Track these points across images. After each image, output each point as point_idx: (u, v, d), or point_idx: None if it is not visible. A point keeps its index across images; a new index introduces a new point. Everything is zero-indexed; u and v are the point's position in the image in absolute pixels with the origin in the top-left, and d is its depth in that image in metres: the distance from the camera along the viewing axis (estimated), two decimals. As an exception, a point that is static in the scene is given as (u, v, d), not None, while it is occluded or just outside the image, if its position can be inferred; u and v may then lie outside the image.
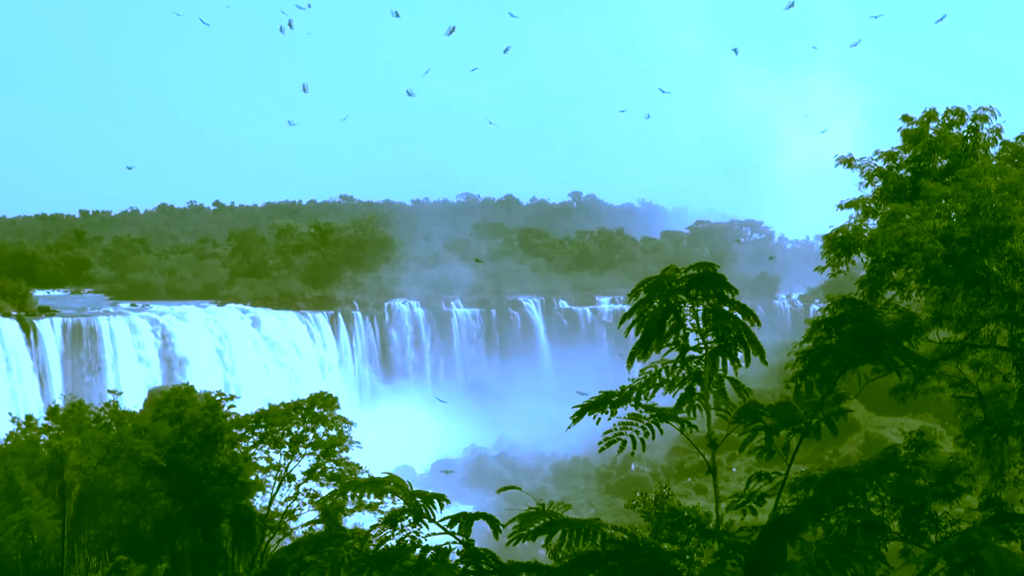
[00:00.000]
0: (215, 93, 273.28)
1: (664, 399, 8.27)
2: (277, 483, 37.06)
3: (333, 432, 36.89)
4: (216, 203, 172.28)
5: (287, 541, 36.33)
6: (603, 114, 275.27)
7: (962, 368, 19.50)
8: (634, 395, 8.10)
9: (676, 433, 8.26)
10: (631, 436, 8.14)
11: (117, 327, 72.69)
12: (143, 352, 73.27)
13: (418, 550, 7.31)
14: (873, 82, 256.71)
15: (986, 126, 18.70)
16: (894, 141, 19.16)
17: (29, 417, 37.45)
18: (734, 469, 62.60)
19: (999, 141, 18.87)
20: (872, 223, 18.42)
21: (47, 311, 74.19)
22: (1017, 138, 19.27)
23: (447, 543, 7.24)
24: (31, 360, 67.83)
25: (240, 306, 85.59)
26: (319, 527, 35.30)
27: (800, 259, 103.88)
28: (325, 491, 36.24)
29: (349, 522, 36.06)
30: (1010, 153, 18.81)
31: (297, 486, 37.02)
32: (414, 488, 7.61)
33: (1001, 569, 6.69)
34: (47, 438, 35.80)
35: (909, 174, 18.80)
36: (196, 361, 74.12)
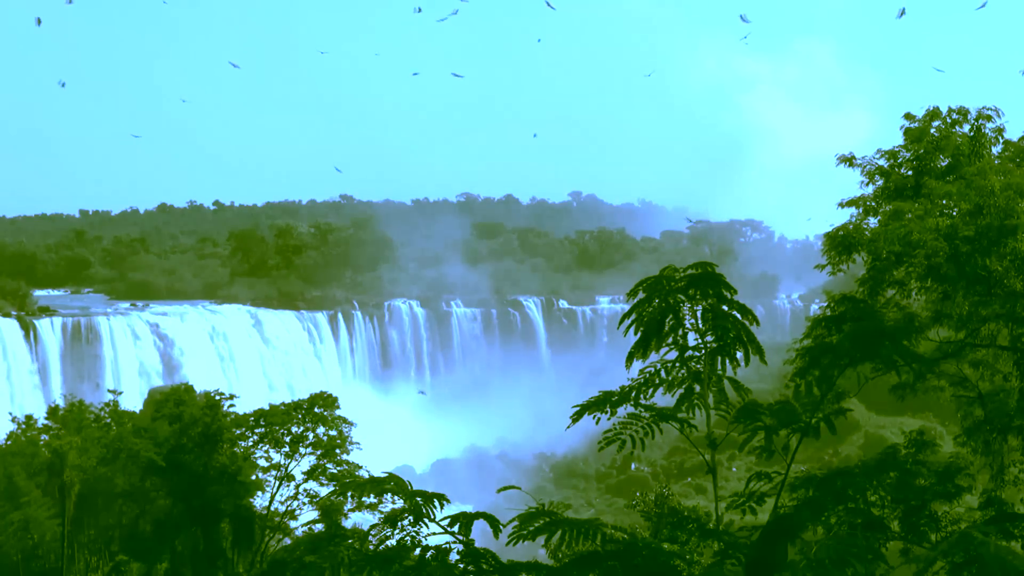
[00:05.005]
0: (215, 93, 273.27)
1: (664, 399, 8.27)
2: (277, 483, 37.06)
3: (333, 432, 36.90)
4: (216, 203, 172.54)
5: (287, 541, 36.32)
6: (601, 112, 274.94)
7: (962, 367, 19.49)
8: (633, 395, 8.10)
9: (676, 433, 8.25)
10: (631, 436, 8.14)
11: (117, 327, 72.70)
12: (143, 352, 73.28)
13: (418, 550, 7.31)
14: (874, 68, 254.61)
15: (989, 125, 18.68)
16: (889, 127, 19.19)
17: (29, 417, 37.44)
18: (734, 469, 62.60)
19: (1001, 140, 18.85)
20: (873, 222, 18.40)
21: (47, 311, 74.19)
22: (1020, 138, 19.24)
23: (447, 543, 7.24)
24: (31, 360, 67.85)
25: (240, 306, 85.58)
26: (319, 527, 35.29)
27: (800, 259, 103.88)
28: (325, 491, 36.23)
29: (349, 522, 36.06)
30: (1012, 152, 18.79)
31: (297, 486, 37.01)
32: (414, 488, 7.60)
33: (1001, 568, 6.68)
34: (47, 438, 35.80)
35: (911, 173, 18.78)
36: (196, 361, 74.11)
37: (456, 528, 7.20)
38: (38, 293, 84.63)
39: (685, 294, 8.05)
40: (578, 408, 8.04)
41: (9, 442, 36.38)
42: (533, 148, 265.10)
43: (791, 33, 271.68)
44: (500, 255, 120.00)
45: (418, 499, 7.47)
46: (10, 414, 39.67)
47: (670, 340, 8.07)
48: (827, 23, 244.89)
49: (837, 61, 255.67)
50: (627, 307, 8.32)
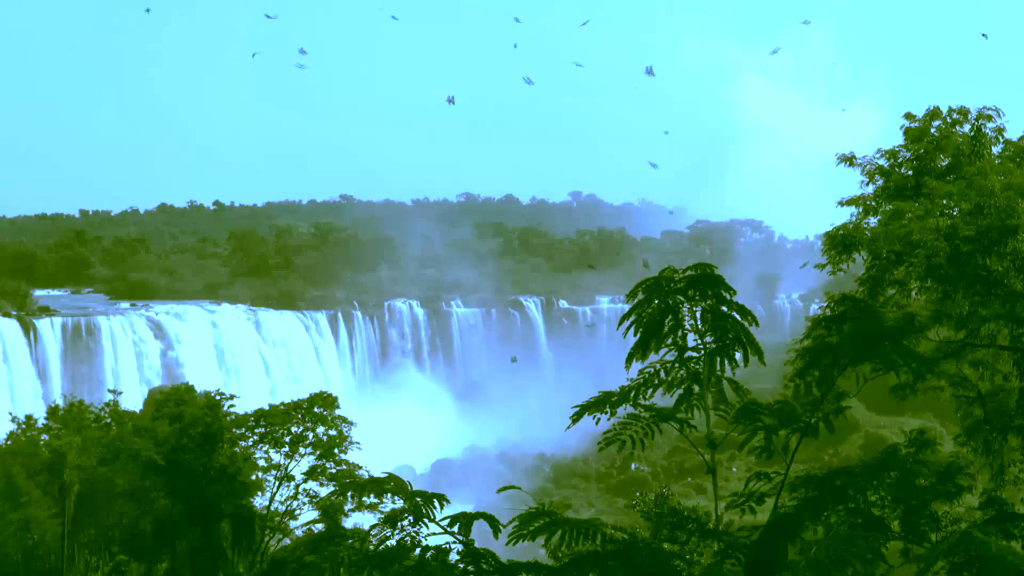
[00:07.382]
0: (215, 93, 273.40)
1: (663, 399, 8.27)
2: (277, 483, 37.04)
3: (333, 432, 36.89)
4: (216, 203, 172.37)
5: (287, 541, 36.32)
6: (603, 111, 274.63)
7: (962, 367, 19.48)
8: (633, 395, 8.10)
9: (676, 433, 8.25)
10: (631, 436, 8.14)
11: (117, 327, 72.75)
12: (143, 352, 73.31)
13: (418, 550, 7.31)
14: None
15: (989, 125, 18.68)
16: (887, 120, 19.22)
17: (29, 417, 37.42)
18: (734, 469, 62.58)
19: (1001, 140, 18.85)
20: (873, 221, 18.40)
21: (47, 311, 74.21)
22: (1020, 138, 19.23)
23: (447, 543, 7.24)
24: (31, 360, 67.87)
25: (240, 306, 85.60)
26: (319, 527, 35.29)
27: (800, 259, 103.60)
28: (325, 491, 36.22)
29: (349, 522, 36.07)
30: (1012, 152, 18.78)
31: (297, 486, 36.99)
32: (414, 488, 7.60)
33: (1001, 568, 6.68)
34: (47, 438, 35.79)
35: (911, 172, 18.77)
36: (196, 361, 74.15)
37: (456, 528, 7.21)
38: (38, 293, 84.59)
39: (684, 295, 8.05)
40: (578, 408, 8.05)
41: (9, 442, 36.37)
42: (533, 148, 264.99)
43: (787, 21, 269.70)
44: (500, 255, 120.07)
45: (418, 499, 7.47)
46: (10, 414, 39.63)
47: (669, 341, 8.07)
48: (827, 11, 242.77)
49: (839, 51, 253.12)
50: (627, 307, 8.33)
